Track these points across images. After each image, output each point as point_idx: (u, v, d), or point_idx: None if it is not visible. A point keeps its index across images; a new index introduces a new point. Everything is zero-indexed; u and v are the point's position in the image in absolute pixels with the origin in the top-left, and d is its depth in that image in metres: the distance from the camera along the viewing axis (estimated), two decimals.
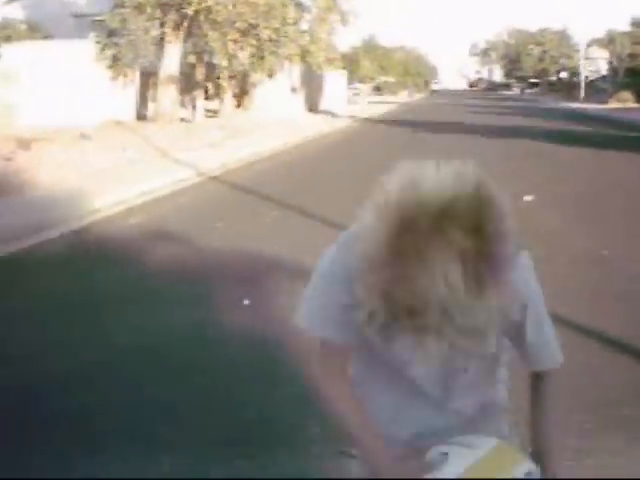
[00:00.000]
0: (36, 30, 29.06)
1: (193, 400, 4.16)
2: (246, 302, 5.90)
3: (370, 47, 79.25)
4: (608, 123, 30.67)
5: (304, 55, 29.14)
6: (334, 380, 1.70)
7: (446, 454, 1.61)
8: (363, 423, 1.71)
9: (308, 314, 1.67)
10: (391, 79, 78.75)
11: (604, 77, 76.00)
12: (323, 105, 40.93)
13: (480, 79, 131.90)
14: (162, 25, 22.85)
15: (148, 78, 24.39)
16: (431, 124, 27.24)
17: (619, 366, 4.75)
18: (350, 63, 59.52)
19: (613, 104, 50.20)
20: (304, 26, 29.85)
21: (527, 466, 1.64)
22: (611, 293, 6.34)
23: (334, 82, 45.52)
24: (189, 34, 23.93)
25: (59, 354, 4.83)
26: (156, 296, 6.20)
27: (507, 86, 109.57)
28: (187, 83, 25.94)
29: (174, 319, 5.60)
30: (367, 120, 33.43)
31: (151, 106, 24.26)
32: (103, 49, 23.19)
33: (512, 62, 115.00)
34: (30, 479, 3.08)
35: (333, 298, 1.59)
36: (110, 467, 3.41)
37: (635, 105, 48.09)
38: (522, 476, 1.61)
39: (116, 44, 23.08)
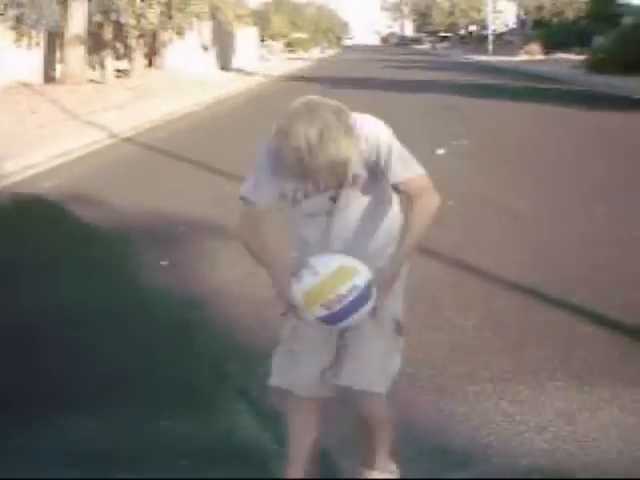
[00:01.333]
0: None
1: (112, 362, 4.20)
2: (163, 262, 5.94)
3: (280, 3, 78.47)
4: (519, 75, 31.22)
5: (213, 12, 28.74)
6: (250, 236, 2.63)
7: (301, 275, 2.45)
8: (271, 261, 2.62)
9: (246, 188, 2.60)
10: (303, 35, 78.22)
11: (512, 30, 77.03)
12: (235, 63, 40.50)
13: (392, 34, 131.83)
14: None
15: (54, 39, 23.71)
16: (345, 80, 27.28)
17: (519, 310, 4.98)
18: (261, 20, 58.87)
19: (522, 56, 51.01)
20: None
21: (365, 276, 2.43)
22: (518, 240, 6.60)
23: (245, 39, 45.02)
24: None
25: None
26: (73, 259, 6.20)
27: (418, 41, 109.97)
28: (95, 43, 25.33)
29: (93, 280, 5.62)
30: (280, 77, 33.27)
31: (59, 68, 23.63)
32: (5, 10, 22.40)
33: (423, 16, 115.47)
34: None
35: (263, 179, 2.57)
36: (19, 430, 3.46)
37: (543, 57, 48.99)
38: (360, 283, 2.40)
39: (19, 4, 22.31)
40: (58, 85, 21.91)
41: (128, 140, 13.48)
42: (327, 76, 31.22)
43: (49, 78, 23.37)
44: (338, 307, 2.38)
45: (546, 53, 50.62)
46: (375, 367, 2.62)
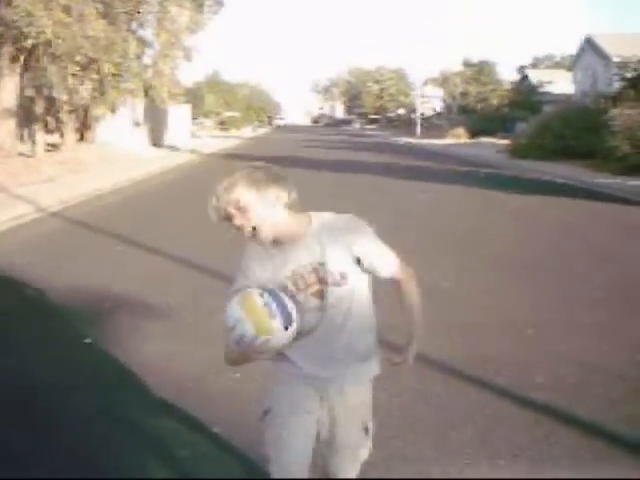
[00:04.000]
0: None
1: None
2: (88, 340, 5.86)
3: (214, 82, 79.52)
4: (447, 158, 32.09)
5: (147, 90, 28.92)
6: None
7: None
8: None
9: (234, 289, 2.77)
10: (236, 114, 79.13)
11: (439, 114, 79.35)
12: (167, 139, 40.66)
13: (323, 115, 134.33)
14: None
15: None
16: (273, 159, 27.55)
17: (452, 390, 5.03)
18: (194, 98, 59.48)
19: (449, 139, 52.49)
20: (147, 61, 29.67)
21: (257, 289, 2.65)
22: (443, 321, 6.68)
23: (178, 116, 45.33)
24: (27, 67, 23.30)
25: None
26: None
27: (348, 122, 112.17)
28: (26, 117, 25.19)
29: (10, 359, 5.51)
30: (210, 155, 33.48)
31: None
32: None
33: (353, 99, 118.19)
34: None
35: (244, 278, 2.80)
36: None
37: (468, 140, 50.49)
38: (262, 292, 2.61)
39: None
40: None
41: (56, 215, 13.34)
42: (256, 155, 31.52)
43: None
44: (278, 314, 2.57)
45: (471, 137, 52.21)
46: (350, 460, 2.97)
